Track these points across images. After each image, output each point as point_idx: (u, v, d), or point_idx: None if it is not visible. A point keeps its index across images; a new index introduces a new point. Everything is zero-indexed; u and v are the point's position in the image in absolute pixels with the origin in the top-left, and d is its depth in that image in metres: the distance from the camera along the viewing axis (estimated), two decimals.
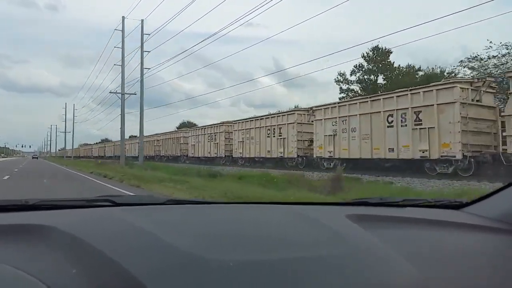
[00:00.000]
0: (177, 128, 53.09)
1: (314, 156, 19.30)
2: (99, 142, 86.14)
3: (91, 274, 0.70)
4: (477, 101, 13.55)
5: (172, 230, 0.92)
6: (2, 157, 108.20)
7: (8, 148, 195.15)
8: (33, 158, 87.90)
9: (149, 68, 30.43)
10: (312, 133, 19.51)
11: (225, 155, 28.57)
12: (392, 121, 15.17)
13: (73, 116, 69.46)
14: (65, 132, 70.98)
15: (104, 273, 0.70)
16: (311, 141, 19.97)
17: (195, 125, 49.14)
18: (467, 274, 0.85)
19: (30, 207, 1.11)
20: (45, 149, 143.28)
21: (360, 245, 0.88)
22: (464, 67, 27.35)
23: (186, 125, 53.39)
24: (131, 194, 8.28)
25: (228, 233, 0.96)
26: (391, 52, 34.75)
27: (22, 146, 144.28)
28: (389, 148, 15.32)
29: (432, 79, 23.02)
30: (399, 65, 36.20)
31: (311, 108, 20.48)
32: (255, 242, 0.89)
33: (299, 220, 1.09)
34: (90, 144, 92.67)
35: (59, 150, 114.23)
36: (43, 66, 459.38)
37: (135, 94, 28.97)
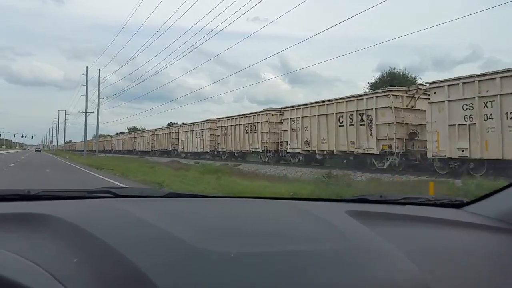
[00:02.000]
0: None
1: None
2: (122, 133, 67.41)
3: (92, 263, 0.71)
4: (411, 106, 15.63)
5: (173, 222, 0.93)
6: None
7: (10, 140, 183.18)
8: (36, 151, 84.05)
9: (92, 113, 39.33)
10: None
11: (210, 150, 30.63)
12: (342, 121, 17.32)
13: (98, 88, 42.28)
14: (86, 112, 42.48)
15: (105, 262, 0.71)
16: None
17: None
18: (467, 272, 0.86)
19: (32, 197, 1.12)
20: (50, 141, 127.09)
21: (359, 241, 0.89)
22: None
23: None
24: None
25: (228, 226, 0.98)
26: None
27: (22, 137, 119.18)
28: (341, 144, 17.48)
29: None
30: None
31: (281, 108, 22.61)
32: (255, 236, 0.91)
33: (299, 215, 1.10)
34: (109, 136, 72.71)
35: (65, 143, 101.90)
36: (47, 59, 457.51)
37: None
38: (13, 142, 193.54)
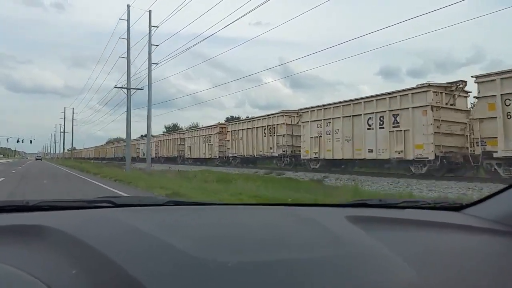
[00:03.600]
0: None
1: (228, 155, 28.61)
2: (144, 136, 44.50)
3: (91, 275, 0.71)
4: (295, 124, 22.67)
5: (172, 231, 0.94)
6: None
7: (10, 148, 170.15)
8: (36, 159, 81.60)
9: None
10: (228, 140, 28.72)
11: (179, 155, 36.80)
12: (265, 133, 24.57)
13: (150, 36, 24.21)
14: (129, 88, 24.60)
15: (104, 274, 0.71)
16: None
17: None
18: (466, 276, 0.86)
19: (30, 208, 1.12)
20: (54, 149, 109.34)
21: (359, 247, 0.89)
22: None
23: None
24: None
25: (227, 234, 0.98)
26: None
27: (17, 142, 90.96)
28: (259, 150, 24.77)
29: None
30: None
31: (225, 122, 29.82)
32: (254, 244, 0.91)
33: (298, 221, 1.12)
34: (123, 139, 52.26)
35: (67, 150, 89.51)
36: (48, 67, 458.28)
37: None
38: (13, 150, 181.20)
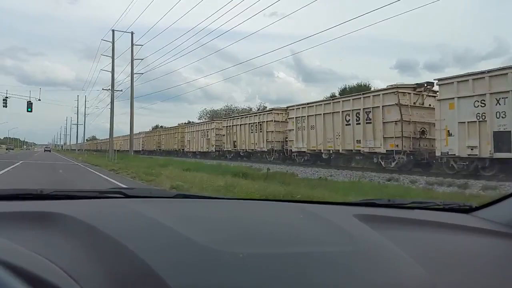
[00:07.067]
0: None
1: (184, 149, 38.66)
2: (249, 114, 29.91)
3: (105, 262, 0.72)
4: (221, 128, 32.45)
5: (183, 223, 0.95)
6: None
7: (18, 139, 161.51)
8: (45, 151, 75.84)
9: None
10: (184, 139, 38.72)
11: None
12: (204, 136, 34.51)
13: None
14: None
15: (118, 261, 0.73)
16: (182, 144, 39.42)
17: None
18: (475, 277, 0.86)
19: (44, 197, 1.14)
20: (76, 137, 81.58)
21: (367, 244, 0.90)
22: None
23: None
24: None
25: (237, 227, 1.01)
26: None
27: (4, 105, 35.60)
28: (200, 147, 34.87)
29: None
30: None
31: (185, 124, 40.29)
32: (264, 237, 0.93)
33: (307, 217, 1.12)
34: (194, 124, 40.76)
35: (87, 140, 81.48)
36: (59, 60, 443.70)
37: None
38: (21, 141, 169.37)
